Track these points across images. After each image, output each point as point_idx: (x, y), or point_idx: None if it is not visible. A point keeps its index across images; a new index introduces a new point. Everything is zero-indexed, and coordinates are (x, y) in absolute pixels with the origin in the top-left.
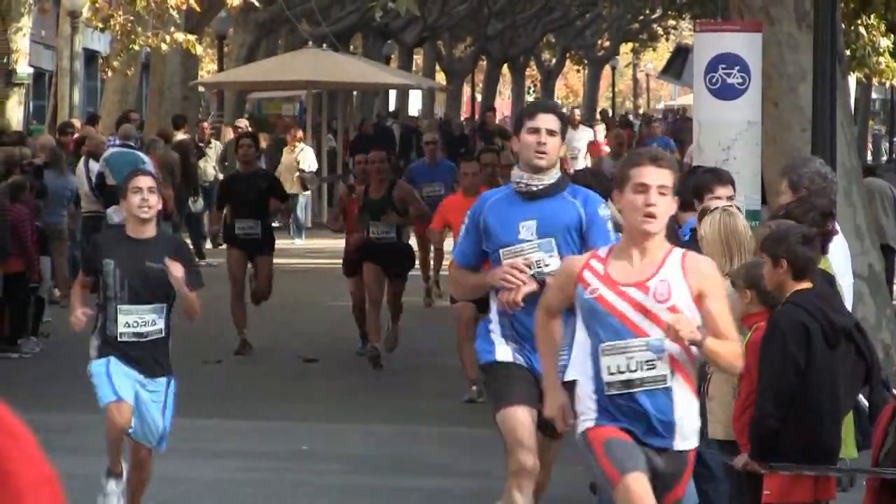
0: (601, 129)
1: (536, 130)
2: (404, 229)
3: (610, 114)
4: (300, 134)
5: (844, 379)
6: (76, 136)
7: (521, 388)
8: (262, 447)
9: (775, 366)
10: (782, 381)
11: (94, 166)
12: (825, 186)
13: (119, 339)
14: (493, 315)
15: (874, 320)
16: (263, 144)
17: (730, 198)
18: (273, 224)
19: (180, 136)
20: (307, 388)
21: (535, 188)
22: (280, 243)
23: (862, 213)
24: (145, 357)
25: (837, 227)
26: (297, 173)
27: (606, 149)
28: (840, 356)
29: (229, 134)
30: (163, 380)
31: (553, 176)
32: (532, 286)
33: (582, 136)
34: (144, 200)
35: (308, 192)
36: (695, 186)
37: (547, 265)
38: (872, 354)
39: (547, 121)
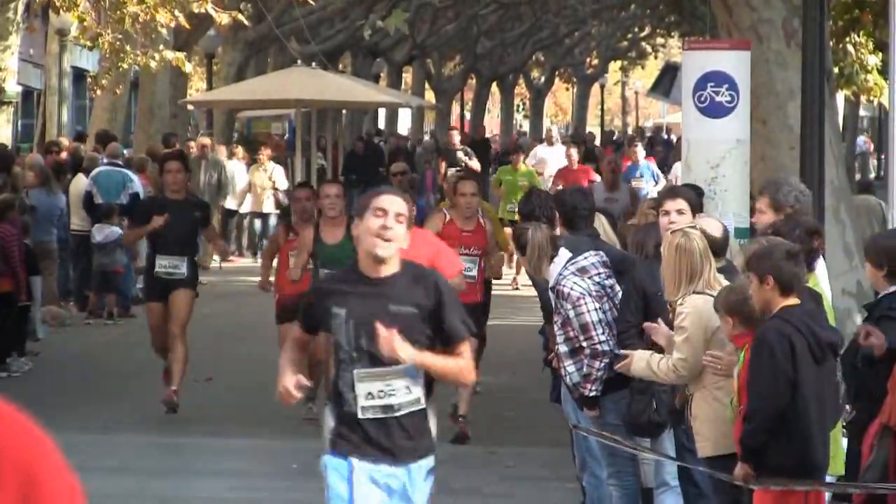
0: (574, 152)
1: None
2: None
3: (597, 134)
4: (268, 152)
5: (831, 394)
6: (63, 153)
7: None
8: (255, 466)
9: (765, 379)
10: (773, 394)
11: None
12: (805, 203)
13: (361, 416)
14: None
15: None
16: (232, 154)
17: (679, 211)
18: (217, 262)
19: None
20: (297, 405)
21: None
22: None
23: (850, 231)
24: (395, 439)
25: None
26: (272, 191)
27: (596, 177)
28: (827, 372)
29: (221, 153)
30: (419, 465)
31: None
32: None
33: (558, 155)
34: (385, 228)
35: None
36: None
37: None
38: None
39: None
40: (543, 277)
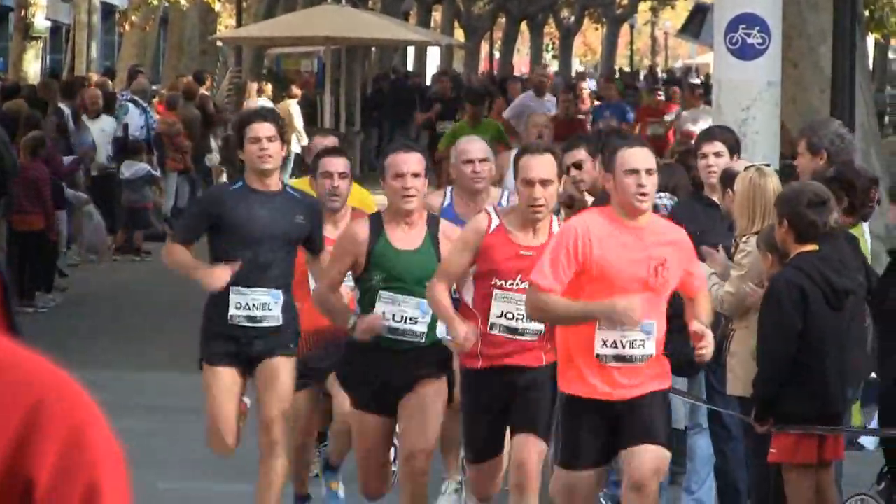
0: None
1: None
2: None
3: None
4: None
5: (857, 340)
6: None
7: None
8: None
9: (771, 329)
10: (778, 344)
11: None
12: (843, 147)
13: None
14: None
15: None
16: (261, 91)
17: (717, 153)
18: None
19: (202, 91)
20: None
21: None
22: None
23: (880, 174)
24: None
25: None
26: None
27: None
28: (847, 318)
29: (253, 91)
30: None
31: None
32: None
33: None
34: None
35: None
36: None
37: None
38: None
39: None
40: None
